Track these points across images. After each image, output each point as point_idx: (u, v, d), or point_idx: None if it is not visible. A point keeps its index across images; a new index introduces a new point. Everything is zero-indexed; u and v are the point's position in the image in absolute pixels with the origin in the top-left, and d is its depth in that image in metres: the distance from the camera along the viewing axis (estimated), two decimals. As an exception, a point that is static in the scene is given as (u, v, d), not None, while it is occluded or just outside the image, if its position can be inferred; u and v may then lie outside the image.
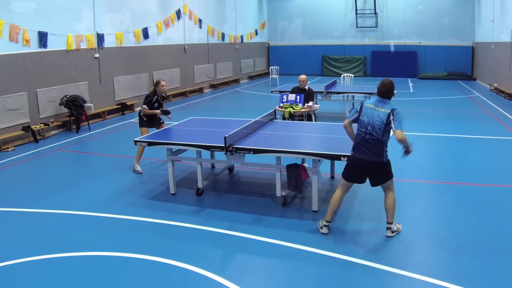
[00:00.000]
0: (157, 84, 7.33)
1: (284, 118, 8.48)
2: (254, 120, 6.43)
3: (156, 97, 7.29)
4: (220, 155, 6.20)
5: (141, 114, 7.35)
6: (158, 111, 7.30)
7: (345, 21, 23.92)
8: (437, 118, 11.33)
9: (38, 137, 9.73)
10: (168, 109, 7.56)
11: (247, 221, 5.21)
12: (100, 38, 12.15)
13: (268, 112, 7.14)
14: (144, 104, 7.25)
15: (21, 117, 9.73)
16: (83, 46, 11.56)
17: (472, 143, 8.69)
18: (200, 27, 17.92)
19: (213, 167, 7.38)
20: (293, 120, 8.44)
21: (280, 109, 8.60)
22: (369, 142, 4.45)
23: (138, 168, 7.21)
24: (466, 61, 21.85)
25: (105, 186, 6.59)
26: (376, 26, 23.23)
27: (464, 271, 3.99)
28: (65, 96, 10.66)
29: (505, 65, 15.55)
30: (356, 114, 4.62)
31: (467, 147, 8.43)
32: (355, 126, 4.75)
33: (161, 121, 7.48)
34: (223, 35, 20.00)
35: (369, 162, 4.49)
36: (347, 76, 16.32)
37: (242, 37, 22.13)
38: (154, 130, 7.14)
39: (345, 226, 5.02)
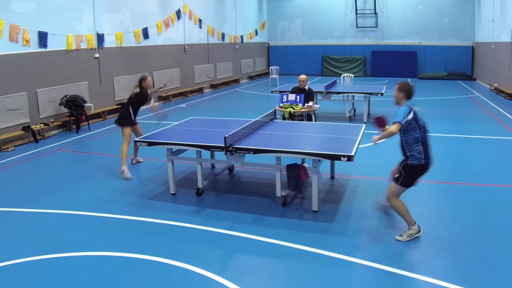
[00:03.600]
0: (144, 79, 7.18)
1: (284, 118, 8.48)
2: (254, 120, 6.43)
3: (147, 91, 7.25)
4: (220, 155, 6.20)
5: (129, 110, 7.14)
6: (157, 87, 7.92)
7: (345, 21, 23.91)
8: (437, 118, 11.32)
9: (38, 137, 9.73)
10: (165, 110, 7.83)
11: (247, 221, 5.21)
12: (100, 38, 12.15)
13: (268, 112, 7.14)
14: (150, 99, 7.33)
15: (21, 117, 9.73)
16: (83, 46, 11.56)
17: (472, 143, 8.69)
18: (200, 27, 17.92)
19: (213, 167, 7.38)
20: (293, 120, 8.44)
21: (280, 109, 8.60)
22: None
23: (127, 173, 6.82)
24: (466, 61, 21.85)
25: (105, 186, 6.59)
26: (376, 26, 23.22)
27: (464, 271, 3.99)
28: (65, 96, 10.66)
29: (505, 65, 15.54)
30: (410, 118, 4.44)
31: (467, 147, 8.43)
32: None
33: (135, 122, 7.38)
34: (223, 35, 20.00)
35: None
36: (347, 76, 16.32)
37: (242, 37, 22.13)
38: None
39: (345, 226, 5.02)
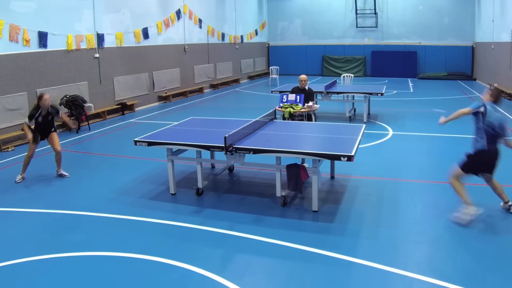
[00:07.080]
0: (39, 98, 6.82)
1: (284, 118, 8.48)
2: (254, 120, 6.43)
3: (39, 111, 6.82)
4: (220, 155, 6.20)
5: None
6: (30, 135, 6.79)
7: (345, 21, 23.92)
8: (437, 118, 11.30)
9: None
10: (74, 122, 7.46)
11: (247, 221, 5.21)
12: (100, 38, 12.14)
13: (268, 112, 7.13)
14: (27, 118, 6.94)
15: (21, 117, 9.71)
16: (83, 46, 11.56)
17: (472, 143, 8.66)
18: (200, 27, 17.92)
19: (213, 167, 7.38)
20: (293, 120, 8.43)
21: (280, 109, 8.60)
22: None
23: (19, 177, 6.91)
24: (466, 61, 21.85)
25: (105, 186, 6.59)
26: (376, 26, 23.23)
27: (464, 271, 3.99)
28: (65, 96, 10.66)
29: (505, 65, 15.55)
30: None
31: (467, 147, 8.40)
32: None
33: (53, 130, 7.16)
34: (223, 35, 20.00)
35: None
36: (347, 76, 16.32)
37: (242, 37, 22.13)
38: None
39: (345, 226, 5.02)
